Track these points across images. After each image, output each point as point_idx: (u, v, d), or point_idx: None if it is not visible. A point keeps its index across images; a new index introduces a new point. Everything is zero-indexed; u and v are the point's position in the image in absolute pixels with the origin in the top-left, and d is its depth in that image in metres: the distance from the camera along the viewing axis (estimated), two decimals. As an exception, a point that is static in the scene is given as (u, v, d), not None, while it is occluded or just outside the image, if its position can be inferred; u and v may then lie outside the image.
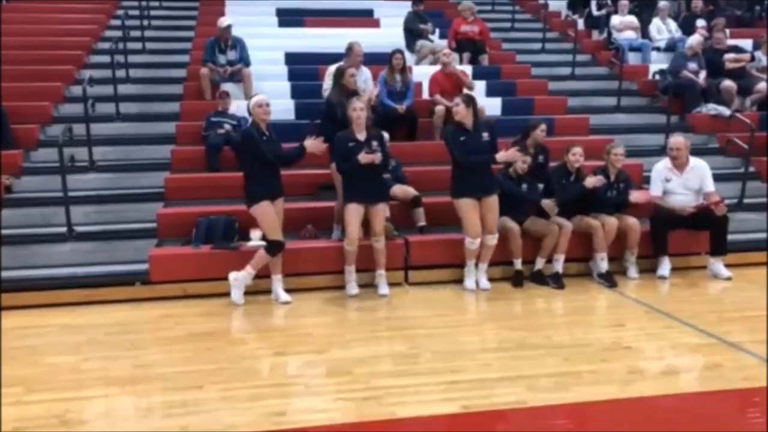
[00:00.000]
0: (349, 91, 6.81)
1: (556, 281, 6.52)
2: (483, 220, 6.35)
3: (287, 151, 6.18)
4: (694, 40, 10.40)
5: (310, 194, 7.41)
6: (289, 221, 6.89)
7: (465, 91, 8.09)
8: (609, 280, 6.54)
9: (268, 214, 6.01)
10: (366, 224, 6.31)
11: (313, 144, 6.08)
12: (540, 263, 6.64)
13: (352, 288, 6.29)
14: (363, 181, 6.11)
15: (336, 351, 4.94)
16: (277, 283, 6.17)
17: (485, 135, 6.31)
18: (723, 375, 4.49)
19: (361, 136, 6.18)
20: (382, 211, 6.27)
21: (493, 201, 6.33)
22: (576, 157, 6.79)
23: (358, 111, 6.16)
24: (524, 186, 6.72)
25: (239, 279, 6.04)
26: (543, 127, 7.38)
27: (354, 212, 6.17)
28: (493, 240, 6.41)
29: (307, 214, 7.01)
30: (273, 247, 6.04)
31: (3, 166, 7.40)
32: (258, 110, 6.03)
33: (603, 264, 6.62)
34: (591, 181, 6.63)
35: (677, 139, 7.02)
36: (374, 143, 6.19)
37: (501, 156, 6.17)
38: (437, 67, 9.12)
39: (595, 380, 4.39)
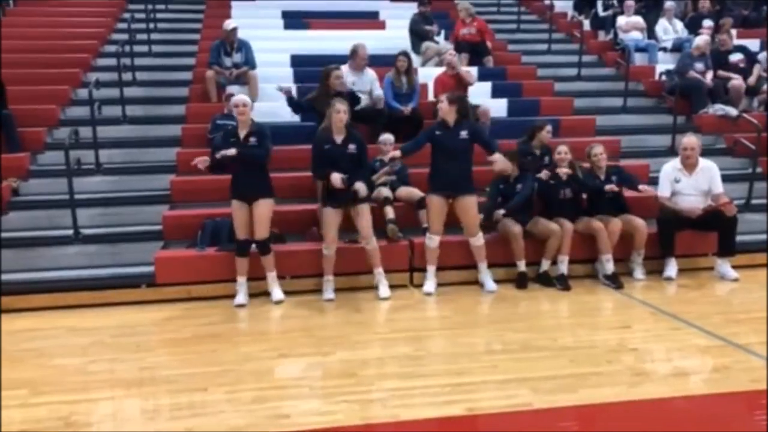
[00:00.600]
0: (333, 93, 6.77)
1: (562, 283, 6.50)
2: (461, 222, 6.40)
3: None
4: (701, 40, 10.35)
5: (314, 197, 7.39)
6: (294, 223, 6.94)
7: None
8: (615, 281, 6.52)
9: (235, 214, 6.06)
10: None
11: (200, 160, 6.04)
12: (545, 265, 6.63)
13: (329, 293, 6.27)
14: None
15: (341, 353, 4.94)
16: (272, 281, 6.19)
17: (463, 133, 6.30)
18: (730, 377, 4.46)
19: (339, 138, 6.15)
20: (364, 212, 6.20)
21: (466, 201, 6.31)
22: (561, 155, 6.79)
23: (342, 113, 6.10)
24: (519, 186, 6.70)
25: (237, 287, 6.11)
26: (549, 128, 7.37)
27: (331, 216, 6.16)
28: (477, 241, 6.41)
29: (311, 216, 7.00)
30: (236, 248, 6.08)
31: (11, 168, 7.45)
32: (234, 110, 6.10)
33: (608, 265, 6.59)
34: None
35: (690, 139, 6.98)
36: (351, 146, 6.13)
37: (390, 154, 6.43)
38: (443, 69, 9.11)
39: (601, 382, 4.36)
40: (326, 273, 6.31)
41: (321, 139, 6.21)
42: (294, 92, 7.60)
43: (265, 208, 6.07)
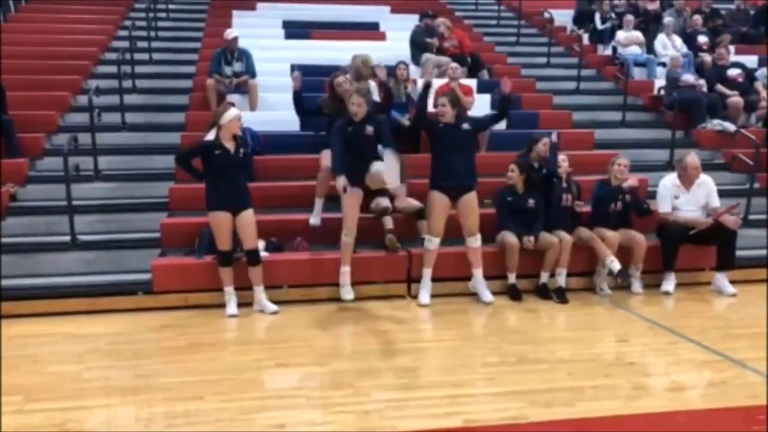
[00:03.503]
0: (340, 98, 6.83)
1: (560, 296, 6.50)
2: (461, 222, 6.37)
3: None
4: (671, 56, 10.67)
5: (300, 206, 7.36)
6: (294, 233, 6.94)
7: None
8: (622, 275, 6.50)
9: (218, 226, 6.00)
10: (366, 236, 6.25)
11: None
12: (544, 277, 6.63)
13: (348, 292, 6.23)
14: (358, 165, 6.08)
15: (338, 363, 4.93)
16: (260, 294, 6.14)
17: (465, 126, 6.36)
18: (727, 392, 4.46)
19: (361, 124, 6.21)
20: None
21: (470, 201, 6.31)
22: (563, 167, 6.85)
23: (355, 107, 6.16)
24: (531, 201, 6.71)
25: (226, 297, 6.08)
26: (545, 140, 7.38)
27: (351, 199, 6.12)
28: (475, 242, 6.38)
29: (297, 226, 7.02)
30: (220, 258, 6.07)
31: (9, 174, 7.44)
32: (236, 124, 5.99)
33: (614, 265, 6.47)
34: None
35: (694, 159, 7.02)
36: (369, 128, 6.19)
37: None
38: (442, 80, 9.14)
39: (599, 395, 4.36)
40: (343, 263, 6.22)
41: (342, 123, 6.25)
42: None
43: (252, 217, 6.05)
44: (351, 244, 6.20)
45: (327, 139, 6.86)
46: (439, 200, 6.29)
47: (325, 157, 6.84)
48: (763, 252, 7.45)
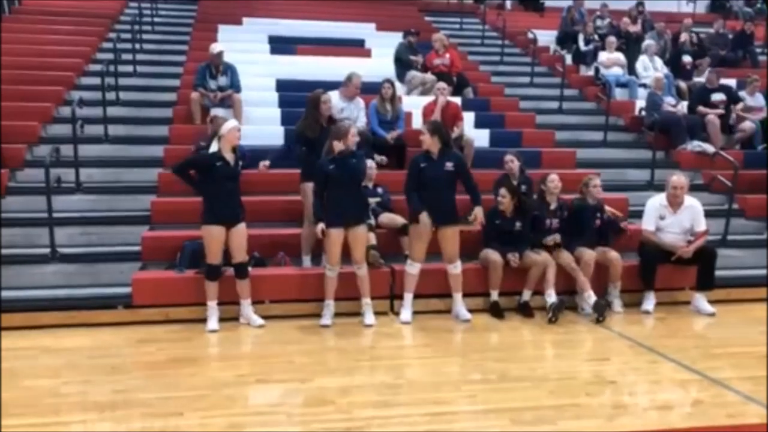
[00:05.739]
0: (324, 118, 6.82)
1: (554, 312, 6.40)
2: (441, 250, 6.40)
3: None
4: (654, 77, 10.78)
5: (283, 220, 7.39)
6: (279, 247, 6.92)
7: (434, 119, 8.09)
8: (602, 309, 6.48)
9: (212, 239, 5.98)
10: (347, 249, 6.24)
11: None
12: (526, 295, 6.65)
13: (326, 319, 6.22)
14: (342, 201, 6.08)
15: (319, 379, 4.90)
16: (247, 307, 6.12)
17: (449, 165, 6.32)
18: (706, 411, 4.49)
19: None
20: (362, 236, 6.20)
21: (449, 231, 6.32)
22: (555, 183, 6.90)
23: (354, 136, 6.18)
24: (518, 224, 6.74)
25: (208, 312, 6.04)
26: (509, 157, 7.42)
27: (335, 236, 6.12)
28: (455, 269, 6.41)
29: (279, 240, 7.02)
30: (208, 272, 6.04)
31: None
32: (235, 134, 6.00)
33: (590, 300, 6.57)
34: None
35: (680, 178, 7.04)
36: (353, 161, 6.16)
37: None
38: (427, 98, 9.18)
39: (579, 414, 4.37)
40: (327, 297, 6.24)
41: (324, 162, 6.16)
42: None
43: (245, 231, 6.07)
44: (335, 279, 6.20)
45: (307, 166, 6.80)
46: (420, 229, 6.30)
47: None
48: (740, 272, 7.56)
